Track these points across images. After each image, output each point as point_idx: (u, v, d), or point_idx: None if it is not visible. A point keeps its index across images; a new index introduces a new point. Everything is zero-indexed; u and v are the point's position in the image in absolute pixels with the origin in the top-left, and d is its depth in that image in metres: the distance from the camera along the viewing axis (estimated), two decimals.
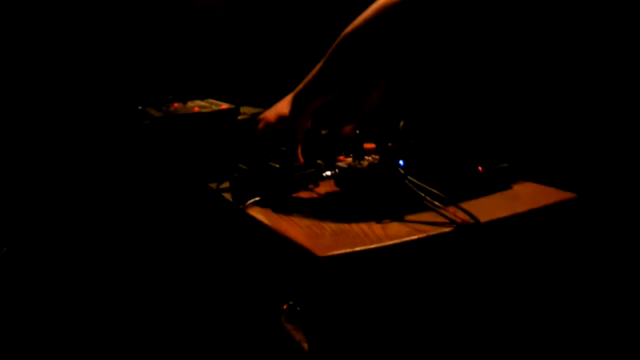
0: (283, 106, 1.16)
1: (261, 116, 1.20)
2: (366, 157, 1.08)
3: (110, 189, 2.20)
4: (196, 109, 1.58)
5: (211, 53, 3.18)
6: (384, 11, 1.03)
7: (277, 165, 1.17)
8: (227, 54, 3.23)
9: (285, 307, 1.50)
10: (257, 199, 1.10)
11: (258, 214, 1.06)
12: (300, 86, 1.16)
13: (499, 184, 1.06)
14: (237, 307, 1.44)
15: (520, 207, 0.97)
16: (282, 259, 0.97)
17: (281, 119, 1.16)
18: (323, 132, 1.25)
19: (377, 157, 1.07)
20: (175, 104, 1.79)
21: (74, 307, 1.97)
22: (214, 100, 1.85)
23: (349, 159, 1.19)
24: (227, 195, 1.21)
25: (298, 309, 1.39)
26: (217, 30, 3.20)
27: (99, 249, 2.18)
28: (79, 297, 2.01)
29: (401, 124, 0.98)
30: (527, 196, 1.02)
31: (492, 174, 1.05)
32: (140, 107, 1.90)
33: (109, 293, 2.00)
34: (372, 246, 0.84)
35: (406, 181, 0.95)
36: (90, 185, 2.46)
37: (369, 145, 1.17)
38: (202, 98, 1.88)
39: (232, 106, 1.53)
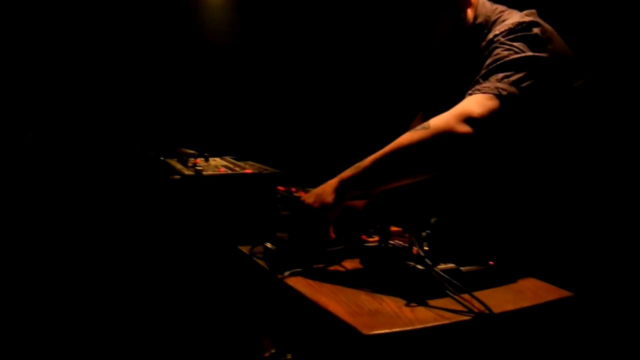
0: (327, 195, 1.25)
1: (306, 202, 1.28)
2: (393, 241, 1.23)
3: (138, 243, 2.27)
4: (222, 170, 1.71)
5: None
6: (443, 136, 1.21)
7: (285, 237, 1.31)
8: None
9: (267, 355, 1.61)
10: (297, 270, 1.24)
11: (297, 284, 1.19)
12: (347, 174, 1.26)
13: (505, 277, 1.22)
14: None
15: (525, 302, 1.13)
16: (319, 330, 1.10)
17: (324, 206, 1.25)
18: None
19: (401, 242, 1.22)
20: (198, 160, 1.91)
21: None
22: (232, 160, 1.98)
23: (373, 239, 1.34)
24: (260, 262, 1.34)
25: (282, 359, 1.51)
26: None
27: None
28: None
29: (433, 220, 1.14)
30: (530, 292, 1.18)
31: (501, 268, 1.21)
32: (162, 158, 2.01)
33: None
34: (407, 328, 0.99)
35: (432, 271, 1.11)
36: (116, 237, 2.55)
37: (394, 228, 1.33)
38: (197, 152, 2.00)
39: (256, 171, 1.67)
